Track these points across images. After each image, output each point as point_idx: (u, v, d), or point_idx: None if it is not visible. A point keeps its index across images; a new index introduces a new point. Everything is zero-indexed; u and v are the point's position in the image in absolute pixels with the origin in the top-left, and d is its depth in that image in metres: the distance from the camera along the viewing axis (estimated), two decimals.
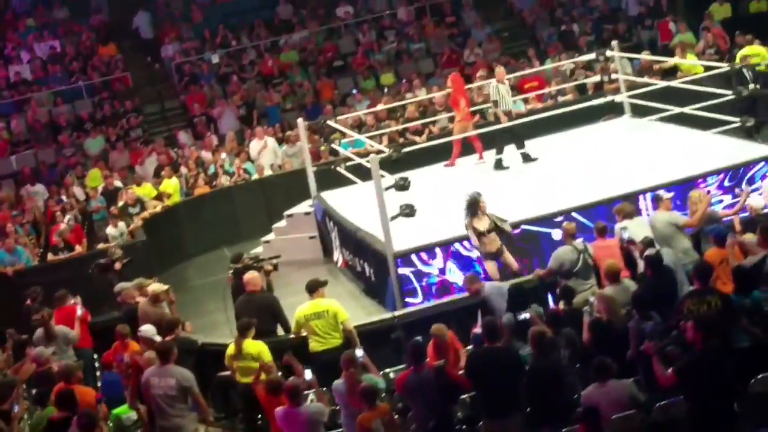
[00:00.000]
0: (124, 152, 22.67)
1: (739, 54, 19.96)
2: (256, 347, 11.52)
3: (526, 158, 17.01)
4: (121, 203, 18.96)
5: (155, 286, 13.42)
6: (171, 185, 20.00)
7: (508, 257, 13.47)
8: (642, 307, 10.27)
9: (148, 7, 28.09)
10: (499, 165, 17.08)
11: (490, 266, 13.38)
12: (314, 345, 12.17)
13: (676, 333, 9.78)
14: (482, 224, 13.38)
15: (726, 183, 14.47)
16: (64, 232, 18.22)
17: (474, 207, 13.42)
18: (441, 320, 11.58)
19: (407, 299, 13.76)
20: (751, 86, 14.95)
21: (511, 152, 17.07)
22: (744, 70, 17.51)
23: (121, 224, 18.18)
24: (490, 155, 17.34)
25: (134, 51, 27.45)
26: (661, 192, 13.26)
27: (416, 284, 13.82)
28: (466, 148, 17.87)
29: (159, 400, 10.62)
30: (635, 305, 10.41)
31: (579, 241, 12.66)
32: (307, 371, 10.73)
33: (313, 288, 12.37)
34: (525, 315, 11.20)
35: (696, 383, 8.95)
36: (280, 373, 11.26)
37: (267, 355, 11.43)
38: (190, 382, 10.67)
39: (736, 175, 14.51)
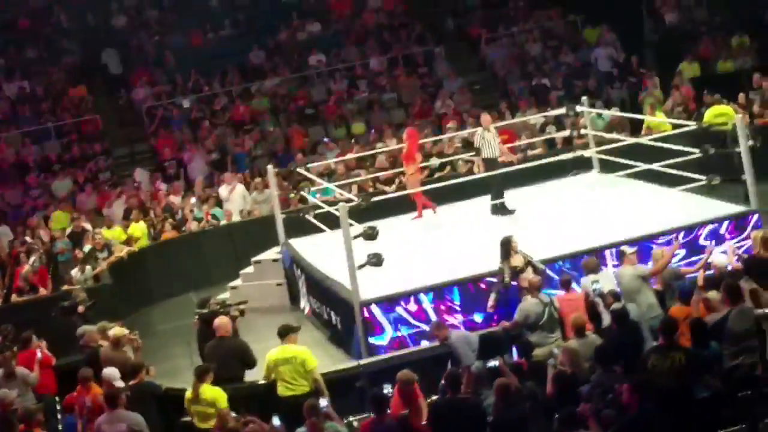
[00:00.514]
0: (92, 195, 22.59)
1: (707, 113, 20.19)
2: (212, 392, 11.47)
3: (497, 210, 17.08)
4: (88, 247, 18.86)
5: (116, 330, 13.33)
6: (139, 229, 19.95)
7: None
8: (605, 360, 10.32)
9: (117, 44, 28.16)
10: (502, 210, 17.09)
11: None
12: (282, 390, 12.12)
13: (612, 396, 9.80)
14: (516, 261, 13.61)
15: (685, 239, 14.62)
16: (28, 273, 18.10)
17: (507, 247, 13.69)
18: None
19: (373, 340, 13.76)
20: (750, 142, 15.03)
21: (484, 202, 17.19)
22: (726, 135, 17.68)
23: (88, 268, 18.07)
24: (480, 202, 17.41)
25: (103, 89, 27.45)
26: (624, 247, 13.39)
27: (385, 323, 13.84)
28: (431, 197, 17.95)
29: None
30: (598, 359, 10.46)
31: (544, 295, 12.73)
32: (275, 418, 10.68)
33: (284, 333, 12.34)
34: (494, 363, 11.20)
35: None
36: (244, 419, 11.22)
37: (222, 402, 11.37)
38: (141, 426, 10.63)
39: (694, 233, 14.67)
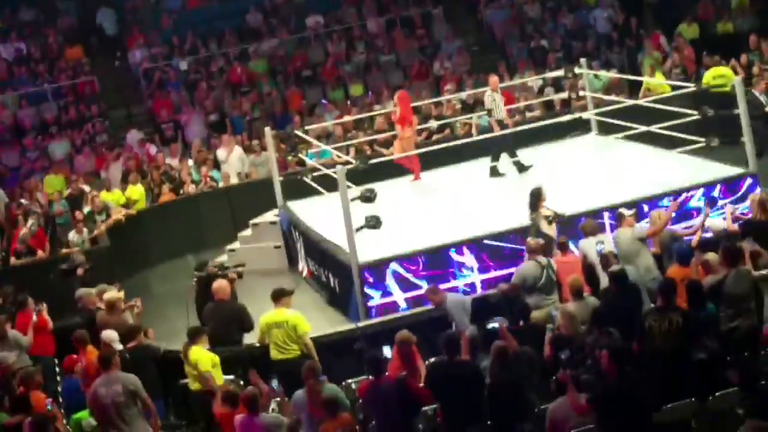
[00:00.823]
0: (90, 157, 22.56)
1: (706, 75, 20.16)
2: (196, 355, 11.53)
3: (521, 167, 17.07)
4: (87, 209, 18.85)
5: (111, 294, 13.31)
6: (137, 191, 19.93)
7: None
8: (603, 322, 10.34)
9: (113, 4, 28.05)
10: (494, 172, 17.12)
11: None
12: (274, 353, 12.16)
13: (591, 361, 9.82)
14: (546, 212, 13.75)
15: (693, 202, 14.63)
16: (26, 235, 18.10)
17: (537, 198, 13.81)
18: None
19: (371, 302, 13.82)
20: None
21: (505, 161, 17.24)
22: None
23: (85, 230, 18.07)
24: (482, 163, 17.38)
25: (99, 51, 27.35)
26: (622, 210, 13.37)
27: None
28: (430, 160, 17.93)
29: (109, 410, 10.55)
30: (595, 320, 10.48)
31: (542, 257, 12.72)
32: (274, 381, 10.71)
33: (277, 297, 12.36)
34: (494, 324, 11.19)
35: (609, 413, 8.90)
36: (242, 382, 11.28)
37: (204, 365, 11.43)
38: (136, 385, 10.68)
39: (691, 194, 14.70)
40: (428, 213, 15.60)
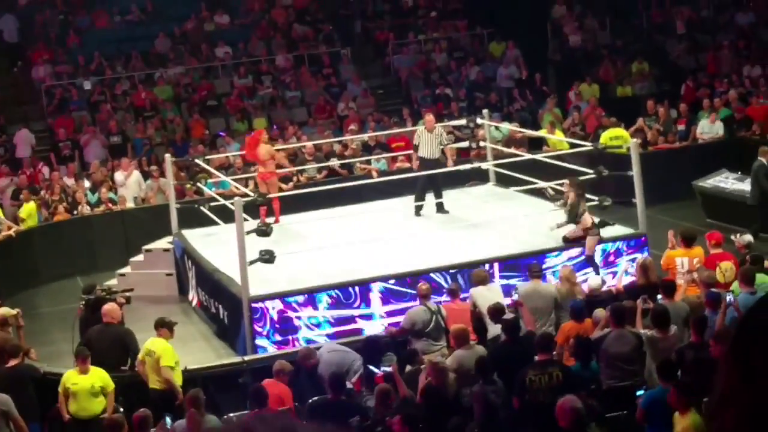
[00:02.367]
0: None
1: (603, 135, 20.62)
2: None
3: (440, 208, 17.18)
4: None
5: (4, 310, 13.13)
6: (27, 209, 19.62)
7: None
8: (485, 371, 10.44)
9: (17, 12, 27.74)
10: (418, 211, 17.22)
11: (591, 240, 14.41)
12: (150, 381, 12.08)
13: (382, 428, 9.88)
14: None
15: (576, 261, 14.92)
16: None
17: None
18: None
19: (259, 340, 13.78)
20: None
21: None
22: None
23: None
24: (372, 206, 17.51)
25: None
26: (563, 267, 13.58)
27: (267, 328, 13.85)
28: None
29: None
30: (478, 369, 10.58)
31: (432, 302, 12.85)
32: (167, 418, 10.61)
33: (156, 325, 12.28)
34: (388, 369, 11.23)
35: None
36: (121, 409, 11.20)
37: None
38: (7, 405, 10.54)
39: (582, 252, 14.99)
40: (325, 249, 15.61)
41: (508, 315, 11.99)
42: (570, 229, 14.73)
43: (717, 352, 9.66)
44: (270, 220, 16.34)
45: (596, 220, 14.77)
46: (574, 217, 14.54)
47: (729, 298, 11.72)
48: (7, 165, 22.38)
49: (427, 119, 17.73)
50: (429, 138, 17.20)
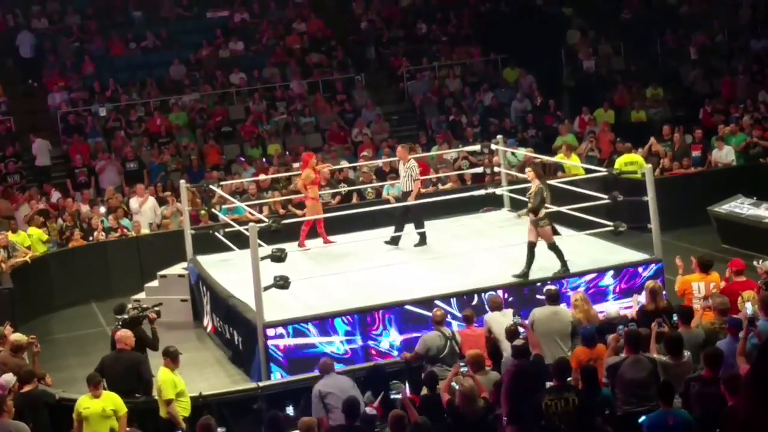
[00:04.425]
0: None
1: (618, 160, 20.61)
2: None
3: (421, 240, 17.18)
4: None
5: (17, 336, 13.13)
6: (39, 236, 19.65)
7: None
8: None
9: (34, 32, 28.12)
10: (395, 241, 17.23)
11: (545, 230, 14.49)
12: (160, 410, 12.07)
13: None
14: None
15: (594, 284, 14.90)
16: None
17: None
18: (303, 394, 11.70)
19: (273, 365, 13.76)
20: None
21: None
22: None
23: None
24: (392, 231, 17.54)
25: (13, 72, 27.37)
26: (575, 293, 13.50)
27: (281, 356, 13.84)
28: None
29: None
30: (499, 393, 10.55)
31: (447, 328, 12.83)
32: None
33: (163, 354, 12.23)
34: (397, 395, 11.21)
35: None
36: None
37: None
38: None
39: (598, 277, 15.03)
40: (338, 276, 15.59)
41: (520, 340, 11.94)
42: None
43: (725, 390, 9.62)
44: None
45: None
46: (540, 203, 14.50)
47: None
48: (29, 173, 22.34)
49: (398, 152, 17.70)
50: (402, 171, 17.20)
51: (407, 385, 11.94)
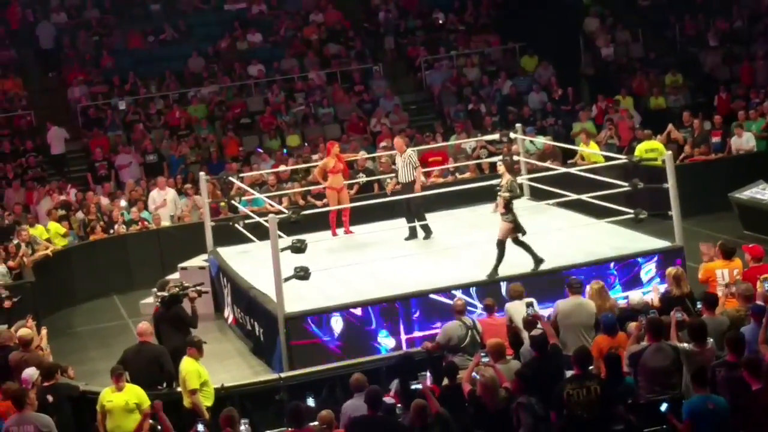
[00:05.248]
0: (20, 191, 22.37)
1: (638, 148, 20.54)
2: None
3: (426, 231, 17.15)
4: (16, 241, 18.62)
5: (24, 331, 13.10)
6: (60, 229, 19.72)
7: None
8: (528, 383, 10.38)
9: (54, 21, 28.31)
10: (413, 234, 17.22)
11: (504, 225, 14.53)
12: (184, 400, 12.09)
13: None
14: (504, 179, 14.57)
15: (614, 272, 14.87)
16: None
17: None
18: (326, 384, 11.70)
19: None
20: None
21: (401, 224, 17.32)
22: None
23: (9, 263, 17.85)
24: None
25: (34, 63, 27.61)
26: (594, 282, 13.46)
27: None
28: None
29: None
30: (522, 382, 10.51)
31: (468, 317, 12.82)
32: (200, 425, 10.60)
33: (186, 345, 12.25)
34: (417, 385, 11.22)
35: None
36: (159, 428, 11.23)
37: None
38: (50, 428, 10.55)
39: (619, 264, 15.03)
40: (358, 266, 15.59)
41: (537, 330, 11.92)
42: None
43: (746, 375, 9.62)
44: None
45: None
46: (513, 197, 14.51)
47: None
48: (45, 165, 22.38)
49: (396, 143, 17.68)
50: (401, 162, 17.16)
51: (429, 374, 11.93)
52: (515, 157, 19.54)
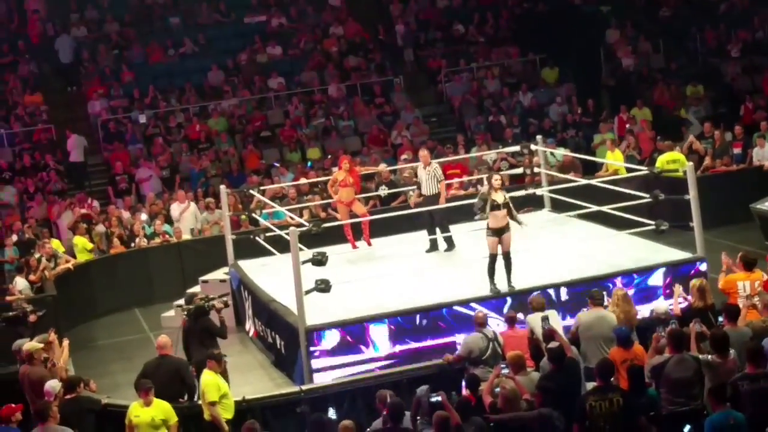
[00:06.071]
0: (42, 204, 22.45)
1: (660, 159, 20.45)
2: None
3: (449, 243, 17.13)
4: (37, 255, 18.67)
5: (30, 345, 13.07)
6: (81, 242, 19.77)
7: (508, 238, 14.48)
8: (546, 398, 10.37)
9: (74, 35, 28.43)
10: (434, 246, 17.23)
11: (491, 241, 14.41)
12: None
13: None
14: (499, 198, 14.34)
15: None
16: None
17: (489, 179, 14.55)
18: (346, 397, 11.65)
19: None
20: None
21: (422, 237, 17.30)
22: None
23: (31, 277, 17.90)
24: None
25: (52, 77, 27.79)
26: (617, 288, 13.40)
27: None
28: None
29: None
30: (543, 394, 10.49)
31: (489, 329, 12.78)
32: None
33: (207, 358, 12.25)
34: (437, 398, 11.18)
35: None
36: None
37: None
38: None
39: (642, 277, 14.96)
40: (379, 279, 15.56)
41: (555, 343, 11.86)
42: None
43: None
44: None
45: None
46: (482, 206, 14.48)
47: None
48: (64, 175, 22.42)
49: (420, 155, 17.64)
50: (425, 174, 17.13)
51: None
52: (536, 169, 19.55)
